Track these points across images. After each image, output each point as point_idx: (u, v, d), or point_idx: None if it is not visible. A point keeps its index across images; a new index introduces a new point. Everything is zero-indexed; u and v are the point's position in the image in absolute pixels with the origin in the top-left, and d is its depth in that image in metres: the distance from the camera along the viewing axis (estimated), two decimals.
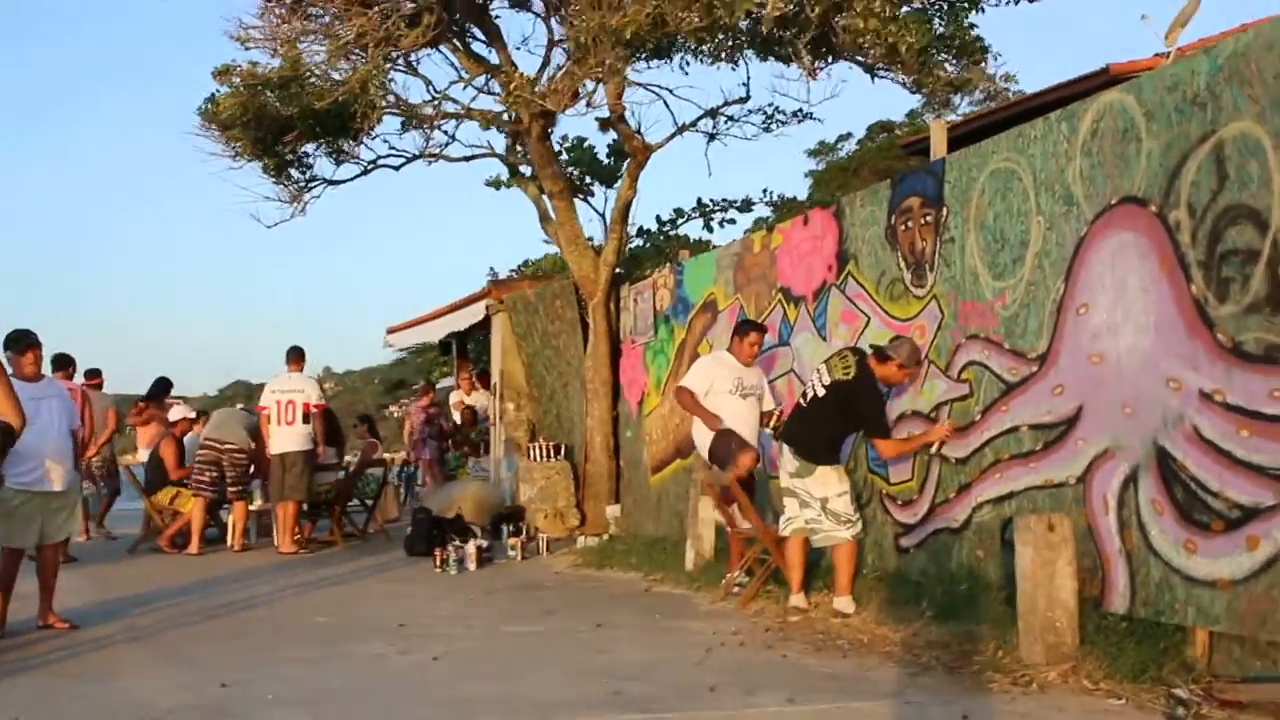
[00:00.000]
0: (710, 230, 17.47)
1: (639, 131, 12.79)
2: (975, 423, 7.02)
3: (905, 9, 10.70)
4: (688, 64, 12.37)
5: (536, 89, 12.09)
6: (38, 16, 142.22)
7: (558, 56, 12.78)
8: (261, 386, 13.35)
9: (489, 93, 13.34)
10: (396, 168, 14.07)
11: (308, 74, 12.23)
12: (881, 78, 11.72)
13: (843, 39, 10.73)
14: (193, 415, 14.15)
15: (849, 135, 32.40)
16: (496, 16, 13.16)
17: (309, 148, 13.45)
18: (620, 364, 12.87)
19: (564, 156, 15.20)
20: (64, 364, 11.94)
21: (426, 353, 29.23)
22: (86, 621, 7.81)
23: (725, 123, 13.52)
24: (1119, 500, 5.86)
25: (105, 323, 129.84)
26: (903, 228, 7.83)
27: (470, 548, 10.84)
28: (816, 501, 7.40)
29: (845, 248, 8.53)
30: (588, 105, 12.28)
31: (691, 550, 9.67)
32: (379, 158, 14.01)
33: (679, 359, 11.32)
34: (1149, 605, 5.66)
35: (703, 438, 8.62)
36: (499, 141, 14.11)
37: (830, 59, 11.68)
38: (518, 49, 13.08)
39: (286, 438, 12.38)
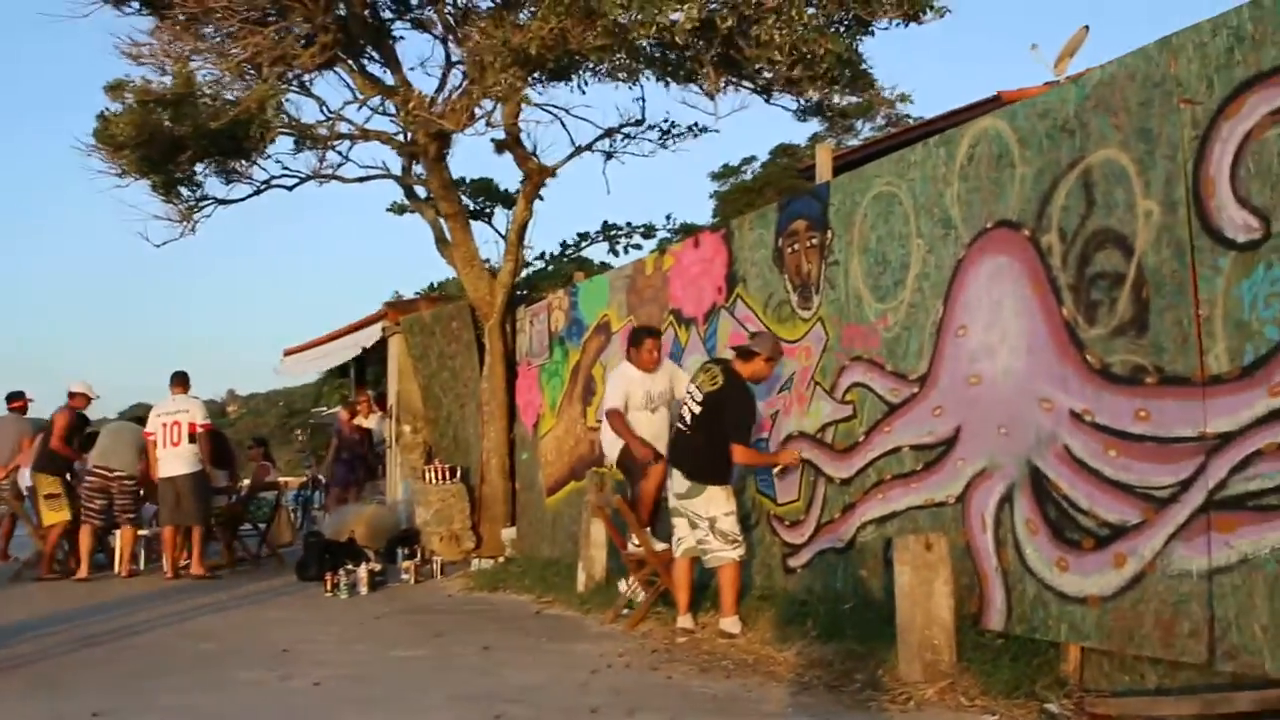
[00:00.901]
0: (615, 254, 17.51)
1: (535, 153, 12.80)
2: (859, 443, 7.09)
3: (809, 25, 10.74)
4: (586, 84, 12.41)
5: (434, 109, 12.04)
6: None
7: (455, 77, 12.78)
8: None
9: (384, 113, 13.28)
10: (289, 188, 13.90)
11: (200, 93, 12.05)
12: (775, 103, 11.84)
13: (751, 53, 10.72)
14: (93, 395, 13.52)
15: (753, 158, 32.76)
16: (398, 38, 13.12)
17: (199, 166, 13.22)
18: (516, 386, 12.83)
19: (466, 185, 15.16)
20: None
21: (332, 378, 28.85)
22: None
23: (622, 141, 13.55)
24: (995, 519, 5.95)
25: None
26: (789, 250, 7.91)
27: (362, 572, 10.72)
28: (705, 521, 7.41)
29: (735, 270, 8.59)
30: (486, 124, 12.26)
31: (583, 572, 9.65)
32: (272, 178, 13.83)
33: (574, 381, 11.32)
34: (1024, 622, 5.75)
35: (611, 446, 8.58)
36: (395, 163, 14.05)
37: (732, 78, 11.74)
38: (412, 69, 13.06)
39: (174, 460, 12.16)
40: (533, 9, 10.75)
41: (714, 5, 10.08)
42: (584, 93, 12.67)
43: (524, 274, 14.62)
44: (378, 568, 11.23)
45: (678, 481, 7.58)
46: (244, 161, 13.31)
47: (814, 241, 7.65)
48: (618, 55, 11.13)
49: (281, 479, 17.36)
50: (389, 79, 13.00)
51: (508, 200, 15.70)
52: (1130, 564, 5.10)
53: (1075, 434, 5.44)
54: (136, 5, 12.59)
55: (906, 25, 10.88)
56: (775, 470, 7.51)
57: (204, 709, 5.89)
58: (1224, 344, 4.71)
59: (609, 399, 8.57)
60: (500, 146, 13.45)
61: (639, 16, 9.71)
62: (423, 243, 74.77)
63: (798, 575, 7.70)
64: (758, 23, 10.12)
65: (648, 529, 8.27)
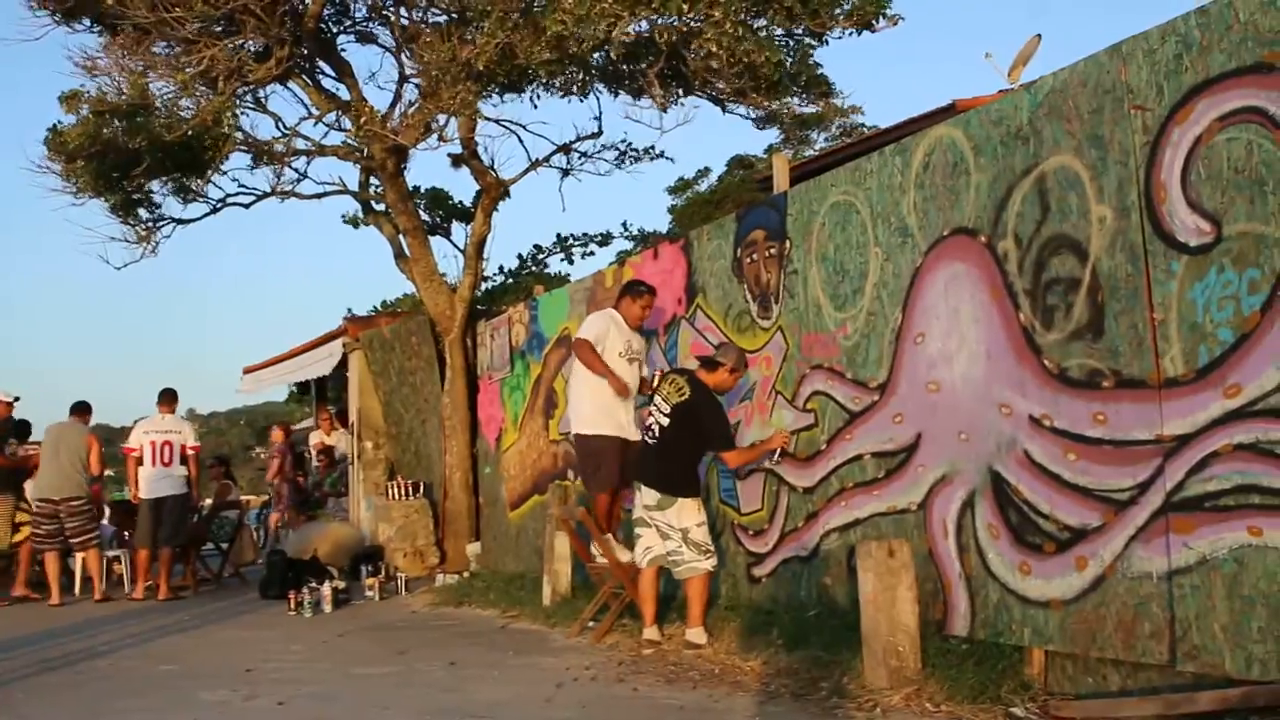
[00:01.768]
0: (571, 263, 17.56)
1: (492, 167, 12.79)
2: (821, 452, 7.11)
3: (752, 37, 10.79)
4: (539, 97, 12.41)
5: (389, 124, 12.01)
6: None
7: (410, 92, 12.75)
8: (124, 430, 12.95)
9: (340, 129, 13.24)
10: (247, 205, 13.84)
11: (155, 104, 11.97)
12: (731, 112, 11.89)
13: (694, 65, 10.79)
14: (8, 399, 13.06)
15: (708, 171, 32.71)
16: (343, 49, 13.08)
17: (155, 185, 13.11)
18: (478, 400, 12.79)
19: (421, 195, 15.12)
20: None
21: (293, 396, 28.65)
22: None
23: (579, 158, 13.58)
24: (958, 525, 5.98)
25: None
26: (748, 260, 7.93)
27: (326, 589, 10.65)
28: (677, 533, 7.38)
29: (694, 280, 8.61)
30: (440, 140, 12.24)
31: (548, 586, 9.62)
32: (228, 195, 13.76)
33: (535, 394, 11.30)
34: (988, 627, 5.78)
35: (580, 423, 8.26)
36: (352, 178, 14.01)
37: (681, 90, 11.80)
38: (366, 83, 13.02)
39: (163, 481, 12.10)
40: (480, 24, 10.75)
41: (655, 19, 10.12)
42: (535, 106, 12.68)
43: (483, 288, 14.60)
44: (341, 585, 11.16)
45: (647, 494, 7.51)
46: (199, 180, 13.22)
47: (772, 251, 7.67)
48: (569, 68, 11.17)
49: (244, 497, 17.26)
50: (345, 93, 12.96)
51: (465, 215, 15.69)
52: (1091, 567, 5.14)
53: (1034, 438, 5.48)
54: (87, 22, 12.50)
55: (859, 34, 10.96)
56: (774, 458, 7.42)
57: None
58: (1179, 347, 4.76)
59: (585, 329, 8.27)
60: (457, 161, 13.46)
61: (577, 30, 9.76)
62: (381, 258, 74.63)
63: (762, 585, 7.70)
64: (698, 35, 10.19)
65: (608, 535, 8.20)
